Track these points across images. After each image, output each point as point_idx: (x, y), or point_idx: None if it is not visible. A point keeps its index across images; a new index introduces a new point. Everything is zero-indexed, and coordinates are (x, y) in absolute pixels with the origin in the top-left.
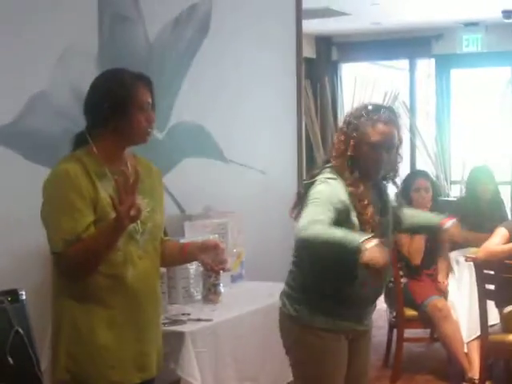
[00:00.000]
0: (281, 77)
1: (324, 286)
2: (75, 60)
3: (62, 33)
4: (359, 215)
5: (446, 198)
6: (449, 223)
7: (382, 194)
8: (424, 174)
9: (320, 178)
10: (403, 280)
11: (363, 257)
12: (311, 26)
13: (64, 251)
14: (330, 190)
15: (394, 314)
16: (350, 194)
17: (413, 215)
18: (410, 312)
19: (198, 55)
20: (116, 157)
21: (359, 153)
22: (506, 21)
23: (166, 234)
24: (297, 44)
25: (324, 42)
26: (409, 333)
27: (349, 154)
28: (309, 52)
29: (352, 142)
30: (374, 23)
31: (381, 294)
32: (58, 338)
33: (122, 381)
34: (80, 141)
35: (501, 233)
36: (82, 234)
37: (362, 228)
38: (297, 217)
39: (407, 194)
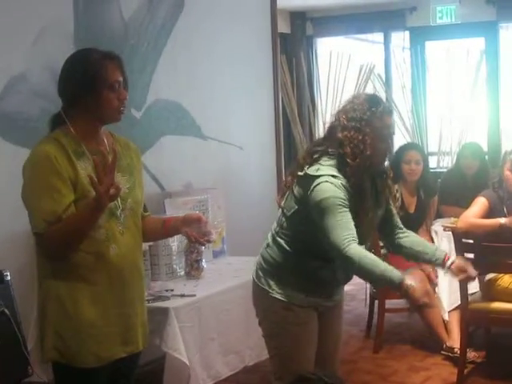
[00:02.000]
0: (256, 52)
1: (300, 265)
2: (52, 40)
3: (38, 13)
4: (358, 208)
5: (437, 170)
6: (450, 261)
7: (376, 184)
8: (416, 147)
9: (322, 173)
10: (383, 251)
11: (409, 295)
12: (285, 1)
13: (45, 231)
14: (334, 189)
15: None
16: (350, 188)
17: (418, 244)
18: None
19: (174, 32)
20: (92, 135)
21: (373, 149)
22: None
23: (146, 209)
24: (272, 19)
25: (298, 17)
26: (389, 303)
27: (368, 153)
28: (283, 27)
29: (369, 141)
30: None
31: (351, 279)
32: (45, 318)
33: (109, 356)
34: (57, 121)
35: (480, 202)
36: (62, 215)
37: (360, 220)
38: (284, 207)
39: (398, 166)
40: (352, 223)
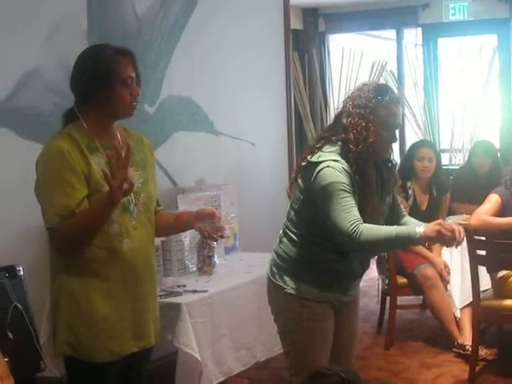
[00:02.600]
0: (269, 49)
1: (314, 259)
2: (65, 36)
3: (52, 10)
4: (361, 195)
5: (449, 167)
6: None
7: (378, 171)
8: (428, 144)
9: (323, 159)
10: None
11: (426, 241)
12: None
13: (58, 226)
14: (336, 174)
15: (387, 281)
16: (353, 174)
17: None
18: (401, 279)
19: (187, 28)
20: (105, 130)
21: (376, 136)
22: None
23: (158, 204)
24: (284, 16)
25: (311, 14)
26: (401, 300)
27: (371, 140)
28: (296, 24)
29: (372, 128)
30: None
31: (367, 269)
32: (58, 313)
33: (121, 351)
34: (70, 117)
35: (493, 199)
36: (75, 209)
37: (364, 208)
38: (292, 200)
39: (411, 163)
40: (356, 208)
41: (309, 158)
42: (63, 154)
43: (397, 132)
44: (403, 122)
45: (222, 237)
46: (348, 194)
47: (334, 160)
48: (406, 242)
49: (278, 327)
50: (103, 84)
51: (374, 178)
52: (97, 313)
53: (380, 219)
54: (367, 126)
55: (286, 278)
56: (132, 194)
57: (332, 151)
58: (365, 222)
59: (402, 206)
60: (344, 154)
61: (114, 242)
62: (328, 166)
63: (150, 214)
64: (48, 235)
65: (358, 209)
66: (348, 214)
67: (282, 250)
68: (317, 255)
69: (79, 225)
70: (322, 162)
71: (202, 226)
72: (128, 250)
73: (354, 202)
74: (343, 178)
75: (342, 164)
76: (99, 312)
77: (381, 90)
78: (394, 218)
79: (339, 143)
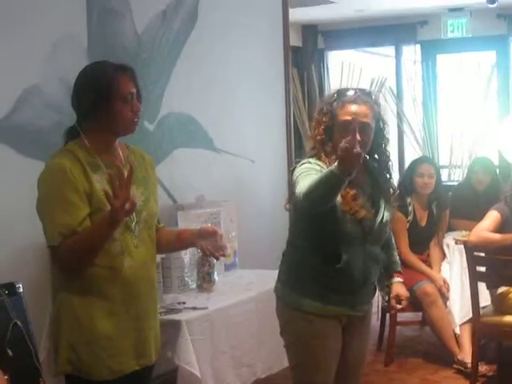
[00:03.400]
0: (268, 65)
1: (312, 271)
2: (65, 53)
3: (52, 27)
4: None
5: (448, 183)
6: (394, 279)
7: (373, 180)
8: (428, 160)
9: (301, 162)
10: None
11: (342, 167)
12: (297, 14)
13: (60, 245)
14: (311, 166)
15: (386, 298)
16: None
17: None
18: None
19: (186, 46)
20: (107, 148)
21: (333, 137)
22: (490, 6)
23: (159, 221)
24: (284, 33)
25: (310, 31)
26: (401, 316)
27: (319, 137)
28: (295, 40)
29: (323, 127)
30: (358, 10)
31: (371, 278)
32: (59, 330)
33: (122, 369)
34: (71, 134)
35: (492, 216)
36: (77, 228)
37: (343, 209)
38: (289, 210)
39: (411, 179)
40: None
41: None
42: (65, 172)
43: (382, 134)
44: (402, 138)
45: (223, 255)
46: (313, 172)
47: (308, 162)
48: (332, 178)
49: (284, 341)
50: (103, 100)
51: (366, 183)
52: (98, 331)
53: (365, 227)
54: (319, 127)
55: (288, 292)
56: (134, 212)
57: (310, 156)
58: (348, 229)
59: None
60: (319, 156)
61: (115, 261)
62: (304, 163)
63: (152, 232)
64: (50, 253)
65: (335, 211)
66: (302, 183)
67: (284, 264)
68: (316, 265)
69: (81, 244)
70: (301, 163)
71: (204, 244)
72: (129, 268)
73: (311, 175)
74: (308, 166)
75: (317, 163)
76: (100, 330)
77: (341, 91)
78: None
79: (314, 150)
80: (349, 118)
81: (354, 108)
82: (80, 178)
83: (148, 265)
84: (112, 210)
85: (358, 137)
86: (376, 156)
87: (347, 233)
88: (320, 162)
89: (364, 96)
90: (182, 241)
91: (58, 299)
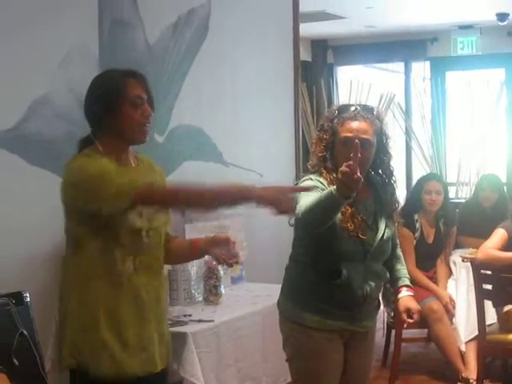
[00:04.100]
0: (278, 80)
1: (312, 285)
2: (76, 64)
3: (64, 37)
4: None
5: (455, 200)
6: (402, 293)
7: (376, 196)
8: (436, 177)
9: (303, 179)
10: None
11: (341, 189)
12: (307, 29)
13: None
14: (313, 183)
15: (392, 314)
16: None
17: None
18: None
19: (197, 59)
20: (120, 157)
21: (334, 153)
22: (501, 23)
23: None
24: (294, 48)
25: (320, 46)
26: (406, 333)
27: (320, 154)
28: (305, 55)
29: (324, 143)
30: (368, 26)
31: (372, 294)
32: (64, 330)
33: (127, 376)
34: (85, 144)
35: (499, 234)
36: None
37: (342, 225)
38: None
39: (419, 196)
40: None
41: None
42: (95, 158)
43: (384, 150)
44: (410, 154)
45: (236, 263)
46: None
47: (310, 178)
48: (331, 200)
49: (286, 355)
50: (111, 105)
51: (369, 199)
52: (102, 337)
53: (365, 243)
54: (319, 144)
55: (290, 307)
56: (145, 221)
57: (312, 173)
58: (347, 245)
59: (398, 249)
60: (320, 173)
61: (124, 270)
62: (303, 180)
63: (162, 242)
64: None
65: (335, 228)
66: (303, 199)
67: (286, 278)
68: (315, 281)
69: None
70: (302, 180)
71: (218, 251)
72: (137, 277)
73: (312, 194)
74: (318, 183)
75: (318, 179)
76: (106, 337)
77: (342, 108)
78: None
79: (316, 167)
80: (349, 134)
81: (354, 125)
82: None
83: (156, 275)
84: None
85: (358, 154)
86: (380, 171)
87: (347, 249)
88: (321, 179)
89: (365, 112)
90: (195, 250)
91: (63, 304)
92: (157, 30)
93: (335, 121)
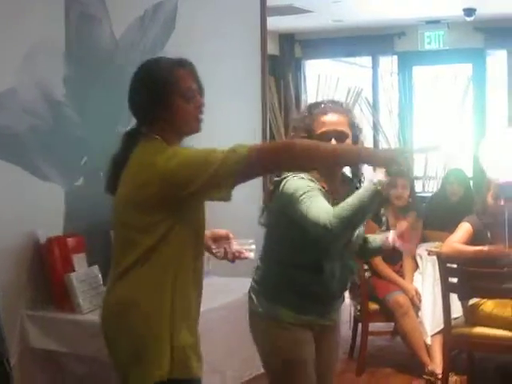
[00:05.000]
0: (246, 74)
1: (289, 281)
2: (42, 57)
3: (29, 31)
4: None
5: (422, 194)
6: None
7: (351, 191)
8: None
9: (286, 175)
10: (366, 274)
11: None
12: (274, 23)
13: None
14: (299, 181)
15: (358, 307)
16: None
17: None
18: (373, 306)
19: (164, 53)
20: None
21: None
22: (467, 18)
23: None
24: (261, 42)
25: (287, 39)
26: (372, 326)
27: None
28: (272, 49)
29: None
30: (336, 20)
31: (346, 288)
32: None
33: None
34: (133, 138)
35: (464, 227)
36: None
37: None
38: (264, 224)
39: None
40: (324, 200)
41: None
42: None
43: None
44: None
45: (239, 258)
46: (315, 192)
47: (302, 177)
48: (372, 198)
49: (260, 354)
50: (161, 98)
51: (344, 195)
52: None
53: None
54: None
55: (264, 303)
56: None
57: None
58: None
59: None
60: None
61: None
62: (293, 177)
63: None
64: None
65: None
66: (318, 208)
67: (259, 274)
68: (293, 278)
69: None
70: (285, 177)
71: (217, 246)
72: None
73: (321, 196)
74: (310, 183)
75: (310, 178)
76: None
77: (313, 105)
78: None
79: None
80: (325, 129)
81: (328, 118)
82: None
83: None
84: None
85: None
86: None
87: (329, 246)
88: (310, 177)
89: (334, 106)
90: None
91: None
92: (123, 24)
93: (307, 120)
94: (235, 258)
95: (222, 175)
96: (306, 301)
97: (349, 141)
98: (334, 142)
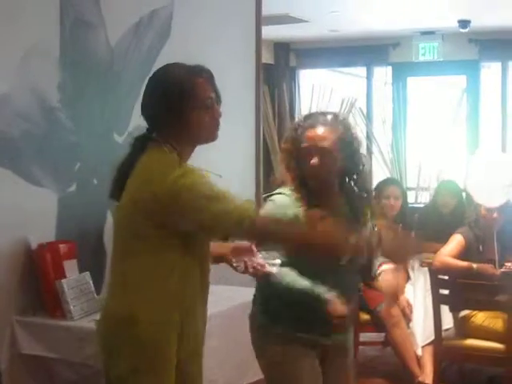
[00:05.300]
0: (240, 82)
1: (285, 297)
2: (37, 63)
3: (24, 36)
4: None
5: (413, 205)
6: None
7: (351, 202)
8: (395, 182)
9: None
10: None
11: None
12: (270, 32)
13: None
14: (274, 207)
15: None
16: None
17: None
18: (364, 316)
19: (159, 60)
20: (186, 160)
21: (300, 164)
22: (462, 30)
23: None
24: (256, 50)
25: (282, 48)
26: (364, 336)
27: (287, 165)
28: (267, 58)
29: (290, 155)
30: (331, 30)
31: (350, 305)
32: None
33: None
34: (142, 144)
35: (456, 239)
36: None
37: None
38: None
39: (377, 200)
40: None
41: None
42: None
43: (354, 155)
44: (370, 159)
45: (260, 272)
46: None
47: (279, 193)
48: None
49: (259, 365)
50: (176, 108)
51: (338, 208)
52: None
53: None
54: (288, 158)
55: (262, 317)
56: None
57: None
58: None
59: None
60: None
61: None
62: (269, 201)
63: None
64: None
65: None
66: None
67: (258, 291)
68: (293, 297)
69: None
70: (271, 194)
71: (238, 260)
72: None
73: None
74: (281, 209)
75: (287, 197)
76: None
77: (303, 118)
78: None
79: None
80: (306, 144)
81: (312, 133)
82: None
83: None
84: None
85: (314, 161)
86: (354, 176)
87: (320, 263)
88: (290, 193)
89: (326, 119)
90: (212, 255)
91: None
92: (118, 31)
93: (298, 131)
94: (256, 272)
95: (217, 227)
96: (304, 317)
97: (334, 156)
98: (314, 158)
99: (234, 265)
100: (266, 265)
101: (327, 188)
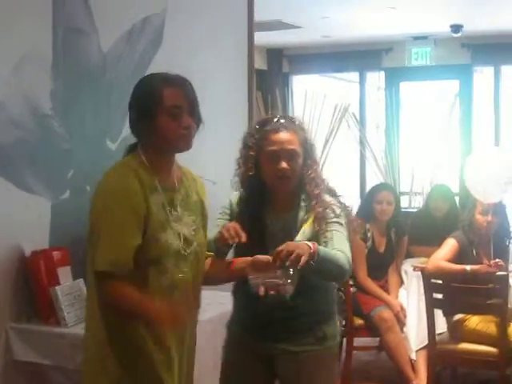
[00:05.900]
0: (232, 88)
1: (240, 298)
2: (29, 71)
3: (17, 44)
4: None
5: (407, 210)
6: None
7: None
8: (388, 187)
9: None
10: (352, 289)
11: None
12: (263, 37)
13: (107, 277)
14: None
15: (344, 322)
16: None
17: None
18: (358, 321)
19: (151, 67)
20: (162, 167)
21: (261, 170)
22: (454, 35)
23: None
24: (248, 56)
25: (275, 54)
26: (358, 341)
27: (251, 174)
28: (260, 64)
29: (249, 160)
30: (324, 36)
31: (281, 312)
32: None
33: None
34: (132, 151)
35: (449, 244)
36: (126, 265)
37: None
38: None
39: (370, 205)
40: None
41: None
42: (130, 196)
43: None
44: (364, 164)
45: (278, 292)
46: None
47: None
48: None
49: None
50: (146, 114)
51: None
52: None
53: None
54: (246, 163)
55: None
56: (184, 243)
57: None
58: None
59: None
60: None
61: (164, 294)
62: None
63: (202, 264)
64: (94, 277)
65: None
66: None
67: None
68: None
69: (124, 303)
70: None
71: (255, 276)
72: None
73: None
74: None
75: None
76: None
77: (262, 122)
78: None
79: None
80: (274, 147)
81: (278, 136)
82: (141, 201)
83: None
84: (155, 317)
85: (284, 165)
86: (306, 180)
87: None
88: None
89: (287, 123)
90: (233, 270)
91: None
92: (111, 38)
93: (257, 136)
94: (267, 293)
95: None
96: (246, 317)
97: (300, 160)
98: (283, 162)
99: (250, 282)
100: (280, 285)
101: (284, 191)
